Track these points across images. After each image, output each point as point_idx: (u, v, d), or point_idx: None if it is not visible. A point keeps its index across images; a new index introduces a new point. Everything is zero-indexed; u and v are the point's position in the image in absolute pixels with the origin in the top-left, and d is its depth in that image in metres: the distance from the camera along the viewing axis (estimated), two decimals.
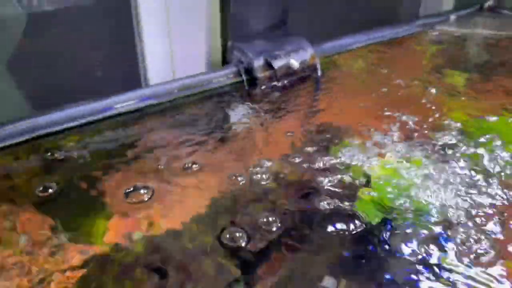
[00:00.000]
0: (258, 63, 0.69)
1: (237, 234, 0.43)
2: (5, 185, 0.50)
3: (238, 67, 0.71)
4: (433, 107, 0.70)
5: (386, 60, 0.88)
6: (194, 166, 0.54)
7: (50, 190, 0.49)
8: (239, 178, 0.52)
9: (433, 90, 0.74)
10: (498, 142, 0.59)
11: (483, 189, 0.51)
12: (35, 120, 0.56)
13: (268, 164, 0.54)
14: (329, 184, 0.53)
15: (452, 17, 0.98)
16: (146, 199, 0.49)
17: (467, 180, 0.52)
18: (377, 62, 0.87)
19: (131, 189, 0.50)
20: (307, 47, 0.73)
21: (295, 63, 0.69)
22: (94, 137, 0.60)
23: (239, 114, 0.67)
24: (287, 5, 0.75)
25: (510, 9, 1.03)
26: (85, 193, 0.50)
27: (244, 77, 0.70)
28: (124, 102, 0.63)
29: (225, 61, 0.81)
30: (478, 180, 0.53)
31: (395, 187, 0.51)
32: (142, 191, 0.50)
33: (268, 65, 0.69)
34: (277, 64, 0.69)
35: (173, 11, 0.75)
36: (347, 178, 0.54)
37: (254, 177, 0.53)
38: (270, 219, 0.45)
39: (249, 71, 0.70)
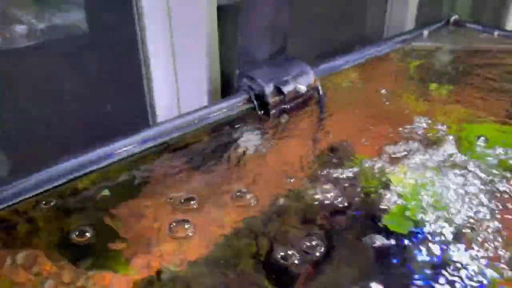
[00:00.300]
0: (269, 89, 0.73)
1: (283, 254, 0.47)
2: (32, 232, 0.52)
3: (249, 94, 0.74)
4: (430, 118, 0.77)
5: (374, 77, 0.94)
6: (239, 192, 0.57)
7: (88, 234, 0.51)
8: (264, 200, 0.56)
9: (425, 102, 0.81)
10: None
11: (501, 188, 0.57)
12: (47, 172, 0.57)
13: (292, 182, 0.59)
14: (355, 199, 0.58)
15: (425, 32, 1.06)
16: (191, 233, 0.51)
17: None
18: (366, 79, 0.93)
19: (173, 224, 0.53)
20: (309, 70, 0.78)
21: (302, 87, 0.74)
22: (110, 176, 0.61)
23: (255, 138, 0.71)
24: (286, 32, 0.80)
25: (473, 23, 1.12)
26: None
27: (255, 103, 0.74)
28: (134, 144, 0.64)
29: (225, 89, 0.85)
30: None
31: (419, 199, 0.57)
32: (186, 225, 0.52)
33: (278, 91, 0.74)
34: (286, 89, 0.74)
35: (177, 41, 0.78)
36: (371, 193, 0.59)
37: (281, 199, 0.57)
38: (308, 238, 0.49)
39: (260, 97, 0.74)
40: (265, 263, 0.48)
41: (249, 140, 0.71)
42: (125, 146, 0.62)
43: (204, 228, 0.53)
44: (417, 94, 0.88)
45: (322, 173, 0.63)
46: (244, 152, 0.67)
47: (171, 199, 0.57)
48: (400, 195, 0.58)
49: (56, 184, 0.56)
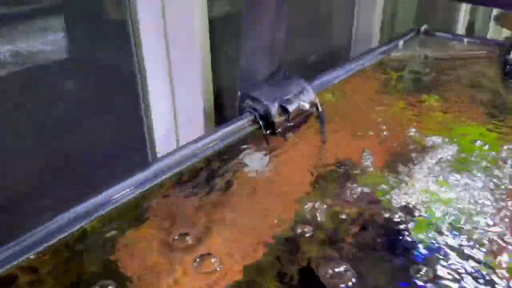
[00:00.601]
0: (274, 109, 0.73)
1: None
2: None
3: (253, 115, 0.74)
4: (427, 126, 0.80)
5: (362, 90, 0.97)
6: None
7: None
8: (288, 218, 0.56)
9: (414, 112, 0.85)
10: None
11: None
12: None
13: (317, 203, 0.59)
14: (377, 213, 0.59)
15: (400, 42, 1.10)
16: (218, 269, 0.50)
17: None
18: (354, 92, 0.96)
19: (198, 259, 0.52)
20: (309, 88, 0.79)
21: (306, 105, 0.75)
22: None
23: (266, 157, 0.71)
24: (282, 51, 0.81)
25: (442, 31, 1.18)
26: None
27: (261, 123, 0.74)
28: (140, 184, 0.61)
29: (219, 112, 0.85)
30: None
31: (439, 207, 0.59)
32: (213, 259, 0.52)
33: (283, 110, 0.74)
34: (291, 108, 0.74)
35: (173, 59, 0.77)
36: (389, 206, 0.60)
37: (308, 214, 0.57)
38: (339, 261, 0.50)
39: (266, 117, 0.74)
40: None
41: (261, 159, 0.71)
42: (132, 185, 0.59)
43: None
44: (406, 104, 0.91)
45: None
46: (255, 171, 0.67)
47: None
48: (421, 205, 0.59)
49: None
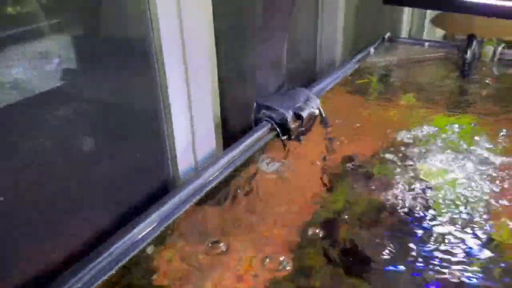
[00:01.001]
0: (289, 116, 0.82)
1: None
2: None
3: (270, 123, 0.83)
4: (414, 121, 0.92)
5: (348, 95, 1.09)
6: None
7: None
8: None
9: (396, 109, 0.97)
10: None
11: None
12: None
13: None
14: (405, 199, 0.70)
15: (371, 50, 1.23)
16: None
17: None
18: (341, 98, 1.07)
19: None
20: (313, 95, 0.89)
21: (316, 111, 0.84)
22: None
23: (290, 160, 0.80)
24: (285, 66, 0.90)
25: (403, 38, 1.32)
26: None
27: (279, 130, 0.83)
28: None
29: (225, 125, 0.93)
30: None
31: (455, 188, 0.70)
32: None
33: (297, 116, 0.83)
34: (304, 114, 0.83)
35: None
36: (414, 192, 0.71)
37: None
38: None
39: (282, 124, 0.83)
40: None
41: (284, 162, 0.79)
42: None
43: None
44: (389, 104, 1.03)
45: None
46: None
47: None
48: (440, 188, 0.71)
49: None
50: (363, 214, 0.67)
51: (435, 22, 1.66)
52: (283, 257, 0.59)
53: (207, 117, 0.91)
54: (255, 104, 0.85)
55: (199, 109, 0.88)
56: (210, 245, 0.61)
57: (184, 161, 0.86)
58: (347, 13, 1.41)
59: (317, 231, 0.63)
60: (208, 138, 0.94)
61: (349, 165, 0.82)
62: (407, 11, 1.78)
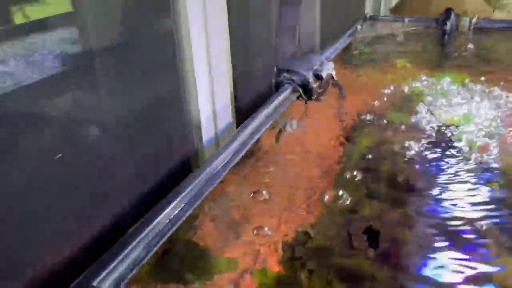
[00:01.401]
0: (311, 77, 0.88)
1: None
2: None
3: (292, 85, 0.88)
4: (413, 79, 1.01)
5: (349, 64, 1.16)
6: None
7: None
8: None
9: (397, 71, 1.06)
10: None
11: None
12: None
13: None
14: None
15: (358, 27, 1.31)
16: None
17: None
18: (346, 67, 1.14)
19: None
20: (325, 59, 0.95)
21: (333, 72, 0.90)
22: None
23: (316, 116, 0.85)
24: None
25: (384, 16, 1.42)
26: None
27: (301, 91, 0.88)
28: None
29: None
30: None
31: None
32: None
33: (317, 77, 0.89)
34: (323, 75, 0.89)
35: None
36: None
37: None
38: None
39: (304, 85, 0.88)
40: None
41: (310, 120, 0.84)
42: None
43: None
44: (387, 69, 1.11)
45: None
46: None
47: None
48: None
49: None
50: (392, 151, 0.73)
51: (394, 11, 1.77)
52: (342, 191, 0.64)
53: (225, 92, 0.94)
54: (275, 69, 0.89)
55: (219, 84, 0.92)
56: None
57: (207, 133, 0.89)
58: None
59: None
60: (226, 112, 0.97)
61: (366, 117, 0.88)
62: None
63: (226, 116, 0.94)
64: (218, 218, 0.58)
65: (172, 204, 0.53)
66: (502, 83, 0.94)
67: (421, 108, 0.87)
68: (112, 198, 0.57)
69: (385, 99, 0.94)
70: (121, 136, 0.61)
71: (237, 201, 0.62)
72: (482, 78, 0.97)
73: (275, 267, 0.48)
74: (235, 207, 0.61)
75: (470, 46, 1.21)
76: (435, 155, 0.71)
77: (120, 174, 0.59)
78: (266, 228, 0.55)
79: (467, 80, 0.97)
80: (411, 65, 1.12)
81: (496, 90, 0.90)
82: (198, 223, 0.56)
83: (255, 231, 0.55)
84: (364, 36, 1.31)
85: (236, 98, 1.00)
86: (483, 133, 0.75)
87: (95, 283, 0.41)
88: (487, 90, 0.91)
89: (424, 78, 1.00)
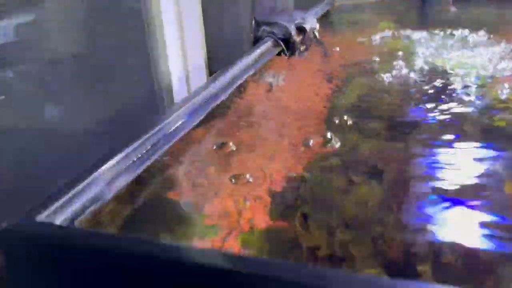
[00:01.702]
0: (293, 30, 0.80)
1: None
2: None
3: (273, 38, 0.81)
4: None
5: (331, 28, 1.09)
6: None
7: None
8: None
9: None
10: None
11: None
12: None
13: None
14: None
15: None
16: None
17: None
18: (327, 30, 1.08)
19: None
20: (308, 15, 0.88)
21: (317, 25, 0.83)
22: None
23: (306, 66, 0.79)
24: None
25: None
26: None
27: (282, 45, 0.81)
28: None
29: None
30: None
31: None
32: None
33: (300, 30, 0.82)
34: (307, 27, 0.82)
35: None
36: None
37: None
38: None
39: (286, 39, 0.80)
40: None
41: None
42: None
43: None
44: (372, 30, 1.05)
45: None
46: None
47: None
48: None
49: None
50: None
51: None
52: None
53: (198, 53, 0.87)
54: (253, 22, 0.82)
55: (191, 45, 0.84)
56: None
57: (178, 95, 0.82)
58: None
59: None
60: (199, 74, 0.89)
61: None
62: None
63: (200, 78, 0.86)
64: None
65: (139, 142, 0.45)
66: None
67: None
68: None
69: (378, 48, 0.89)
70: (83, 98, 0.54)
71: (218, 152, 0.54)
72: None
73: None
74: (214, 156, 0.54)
75: (453, 9, 1.17)
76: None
77: (84, 136, 0.52)
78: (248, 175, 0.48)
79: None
80: (396, 25, 1.07)
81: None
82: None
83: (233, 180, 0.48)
84: (345, 3, 1.26)
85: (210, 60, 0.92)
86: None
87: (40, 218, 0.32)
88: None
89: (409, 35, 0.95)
